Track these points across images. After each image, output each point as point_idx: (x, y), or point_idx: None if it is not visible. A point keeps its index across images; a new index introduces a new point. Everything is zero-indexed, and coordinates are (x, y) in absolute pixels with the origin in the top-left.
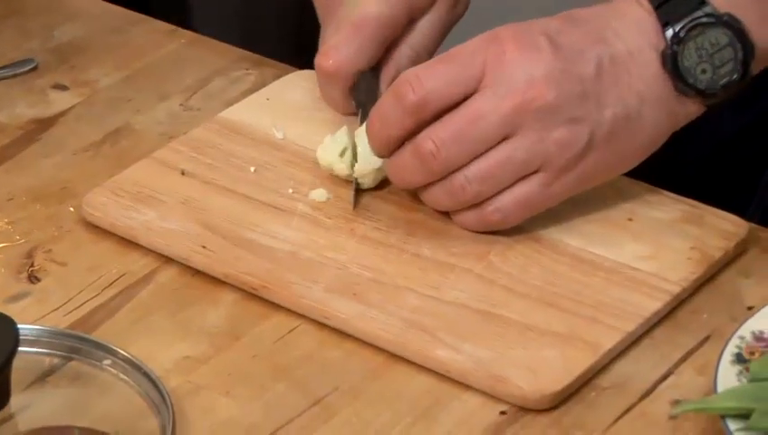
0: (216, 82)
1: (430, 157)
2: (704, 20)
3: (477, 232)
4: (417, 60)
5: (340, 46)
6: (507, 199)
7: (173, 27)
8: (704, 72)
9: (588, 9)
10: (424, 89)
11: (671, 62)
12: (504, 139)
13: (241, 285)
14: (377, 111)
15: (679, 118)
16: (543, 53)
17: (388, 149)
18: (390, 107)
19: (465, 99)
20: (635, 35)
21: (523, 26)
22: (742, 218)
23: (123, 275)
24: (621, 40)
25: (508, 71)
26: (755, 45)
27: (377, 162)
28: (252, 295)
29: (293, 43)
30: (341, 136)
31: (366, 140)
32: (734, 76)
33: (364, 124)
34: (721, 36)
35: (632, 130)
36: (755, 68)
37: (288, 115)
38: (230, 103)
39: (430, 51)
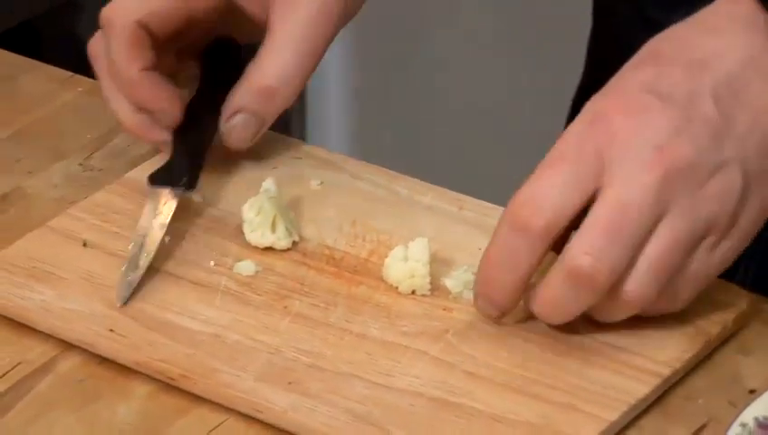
0: (120, 137)
1: (592, 273)
2: None
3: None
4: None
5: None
6: (677, 282)
7: (69, 74)
8: None
9: (671, 34)
10: (545, 209)
11: None
12: (658, 220)
13: (156, 375)
14: (492, 254)
15: None
16: (656, 112)
17: (518, 294)
18: (515, 242)
19: (594, 198)
20: (743, 37)
21: (617, 90)
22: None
23: (17, 365)
24: (727, 54)
25: (629, 146)
26: None
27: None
28: (169, 387)
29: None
30: (263, 204)
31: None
32: None
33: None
34: None
35: None
36: None
37: (207, 173)
38: (138, 162)
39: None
